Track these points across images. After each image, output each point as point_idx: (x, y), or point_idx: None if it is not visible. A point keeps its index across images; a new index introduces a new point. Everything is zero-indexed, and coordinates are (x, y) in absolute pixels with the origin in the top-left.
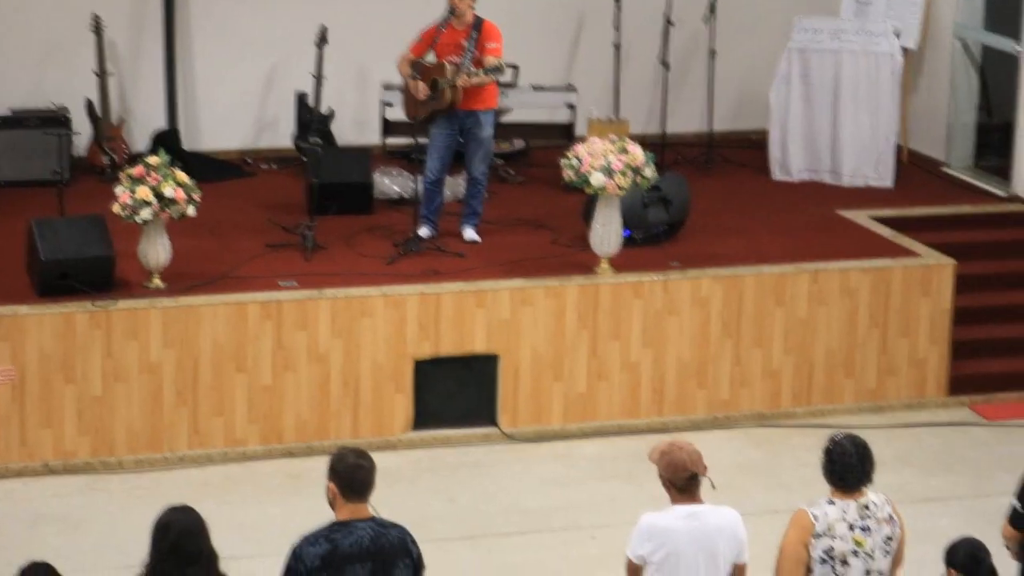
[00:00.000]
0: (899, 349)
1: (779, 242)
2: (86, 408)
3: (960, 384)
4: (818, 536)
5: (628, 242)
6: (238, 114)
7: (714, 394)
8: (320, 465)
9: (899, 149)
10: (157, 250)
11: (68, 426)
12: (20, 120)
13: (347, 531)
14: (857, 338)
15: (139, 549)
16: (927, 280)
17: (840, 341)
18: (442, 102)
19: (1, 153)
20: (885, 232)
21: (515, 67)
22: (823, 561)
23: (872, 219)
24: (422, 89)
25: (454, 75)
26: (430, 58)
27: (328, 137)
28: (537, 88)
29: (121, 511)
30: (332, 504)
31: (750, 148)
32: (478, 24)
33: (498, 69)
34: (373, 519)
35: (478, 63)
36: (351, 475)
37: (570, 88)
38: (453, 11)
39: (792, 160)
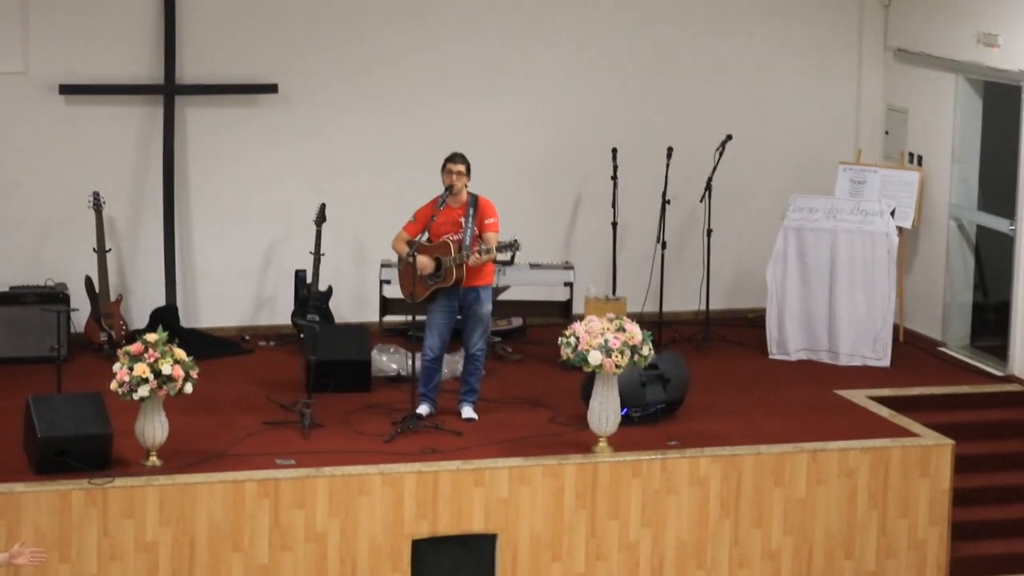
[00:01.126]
0: (899, 530)
1: (777, 422)
2: None
3: (960, 566)
4: None
5: (626, 420)
6: (236, 291)
7: (713, 575)
8: None
9: (896, 328)
10: (154, 427)
11: None
12: (18, 297)
13: None
14: (856, 519)
15: None
16: (926, 461)
17: (839, 522)
18: (449, 280)
19: (0, 330)
20: (883, 412)
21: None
22: None
23: (870, 399)
24: (427, 264)
25: (461, 253)
26: (422, 238)
27: (326, 314)
28: (535, 266)
29: None
30: None
31: (747, 327)
32: (474, 201)
33: (513, 245)
34: None
35: (478, 239)
36: None
37: (568, 266)
38: (450, 189)
39: (789, 339)
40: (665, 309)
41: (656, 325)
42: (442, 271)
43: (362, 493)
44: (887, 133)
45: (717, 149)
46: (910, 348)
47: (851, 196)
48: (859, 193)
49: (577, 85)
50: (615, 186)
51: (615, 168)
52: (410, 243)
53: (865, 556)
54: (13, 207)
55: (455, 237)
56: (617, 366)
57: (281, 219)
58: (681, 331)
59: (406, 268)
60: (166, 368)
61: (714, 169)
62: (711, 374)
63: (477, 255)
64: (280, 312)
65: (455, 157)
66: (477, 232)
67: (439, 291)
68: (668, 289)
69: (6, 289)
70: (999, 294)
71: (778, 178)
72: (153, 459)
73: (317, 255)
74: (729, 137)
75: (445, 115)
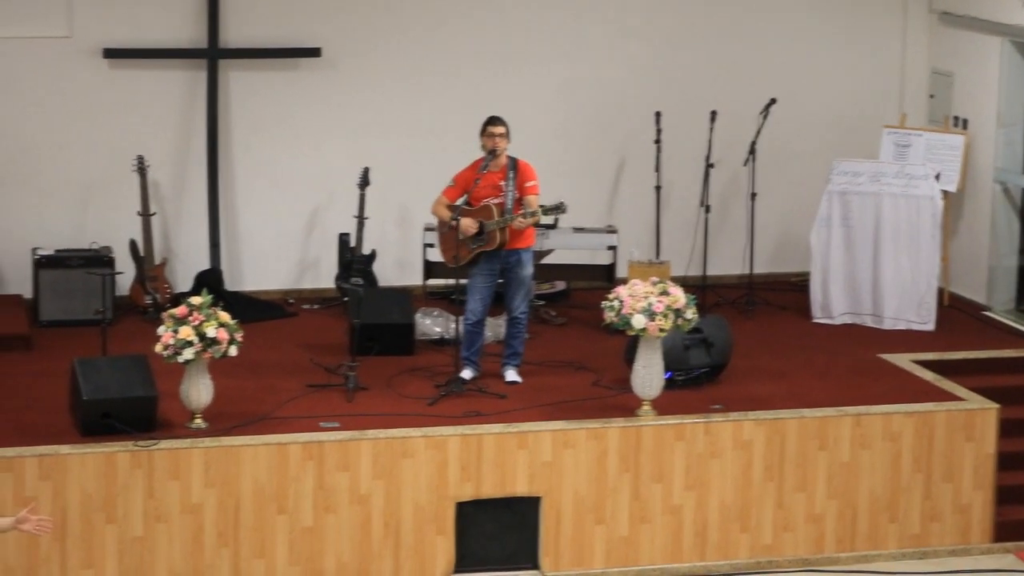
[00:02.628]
0: (943, 494)
1: (821, 385)
2: (127, 549)
3: (1005, 530)
4: None
5: (669, 384)
6: (280, 254)
7: (757, 538)
8: None
9: (940, 292)
10: (199, 390)
11: (109, 567)
12: (63, 260)
13: None
14: (901, 483)
15: None
16: (971, 425)
17: (884, 486)
18: (492, 243)
19: (45, 293)
20: (928, 376)
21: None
22: None
23: (914, 363)
24: (470, 225)
25: (505, 217)
26: (461, 201)
27: (370, 278)
28: (578, 230)
29: None
30: None
31: (791, 290)
32: (513, 164)
33: (559, 208)
34: None
35: (518, 203)
36: None
37: (611, 230)
38: (494, 152)
39: (833, 303)
40: (709, 273)
41: (700, 289)
42: (485, 235)
43: (406, 456)
44: (932, 96)
45: (761, 113)
46: (955, 312)
47: (896, 160)
48: (904, 157)
49: (621, 48)
50: (658, 150)
51: (658, 132)
52: (452, 207)
53: (909, 520)
54: (59, 171)
55: (496, 201)
56: (661, 330)
57: (324, 183)
58: (725, 295)
59: (448, 233)
60: (211, 331)
61: (758, 133)
62: (755, 338)
63: (522, 218)
64: (324, 275)
65: (495, 120)
66: (518, 195)
67: (481, 255)
68: (712, 253)
69: (52, 252)
70: None
71: (822, 142)
72: (198, 421)
73: (360, 219)
74: (773, 101)
75: (488, 78)
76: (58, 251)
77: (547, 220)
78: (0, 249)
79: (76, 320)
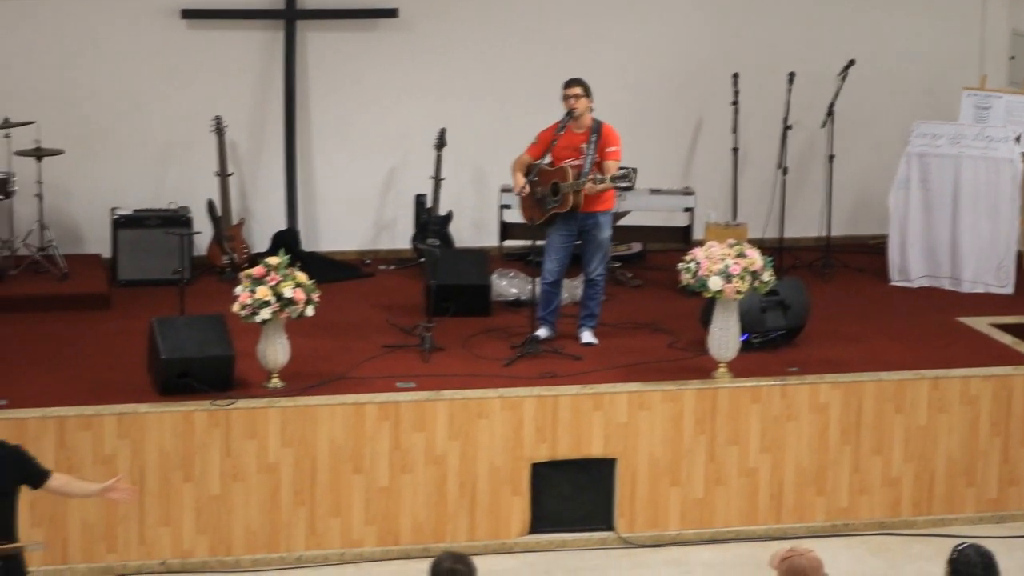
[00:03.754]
0: (1021, 458)
1: (898, 348)
2: (204, 507)
3: None
4: None
5: (746, 346)
6: (357, 215)
7: (833, 501)
8: None
9: (1020, 255)
10: (276, 350)
11: (186, 525)
12: (142, 220)
13: None
14: (978, 446)
15: None
16: None
17: (961, 449)
18: (565, 205)
19: (123, 252)
20: (1006, 339)
21: (633, 170)
22: None
23: (992, 326)
24: (518, 184)
25: (579, 180)
26: (545, 160)
27: (446, 239)
28: (655, 191)
29: None
30: None
31: (868, 253)
32: (597, 127)
33: (627, 176)
34: None
35: (598, 166)
36: None
37: (688, 192)
38: (571, 114)
39: (911, 266)
40: (786, 235)
41: (777, 251)
42: (559, 196)
43: (482, 416)
44: (1012, 58)
45: (839, 74)
46: None
47: (975, 122)
48: (983, 119)
49: (699, 9)
50: (736, 111)
51: (736, 93)
52: (531, 166)
53: (987, 484)
54: (137, 131)
55: (575, 163)
56: (737, 292)
57: (401, 143)
58: (802, 257)
59: (527, 191)
60: (288, 291)
61: (836, 94)
62: (832, 300)
63: (592, 183)
64: (400, 236)
65: (570, 81)
66: (598, 159)
67: (558, 216)
68: (789, 215)
69: (130, 212)
70: None
71: (901, 104)
72: (275, 381)
73: (437, 179)
74: (852, 62)
75: (565, 39)
76: (137, 211)
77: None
78: (79, 209)
79: (154, 279)
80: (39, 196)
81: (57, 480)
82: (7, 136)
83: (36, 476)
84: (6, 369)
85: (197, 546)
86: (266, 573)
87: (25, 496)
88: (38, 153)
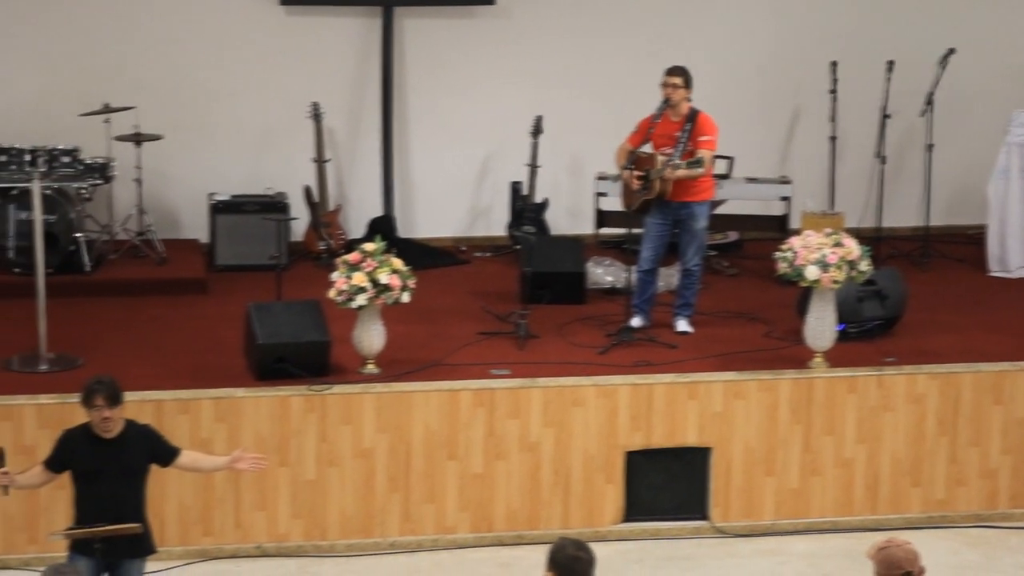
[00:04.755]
0: None
1: (996, 339)
2: (300, 491)
3: None
4: None
5: (842, 336)
6: (453, 202)
7: (929, 493)
8: (530, 554)
9: None
10: (372, 336)
11: (281, 509)
12: (239, 205)
13: None
14: None
15: None
16: None
17: None
18: (651, 193)
19: (221, 238)
20: None
21: (730, 159)
22: None
23: None
24: (627, 177)
25: (663, 166)
26: (647, 148)
27: (542, 226)
28: (751, 180)
29: None
30: None
31: (967, 243)
32: (693, 116)
33: (700, 163)
34: None
35: (690, 155)
36: (569, 567)
37: (785, 180)
38: (667, 101)
39: (1010, 256)
40: (883, 224)
41: (874, 240)
42: (648, 183)
43: (576, 404)
44: None
45: (939, 62)
46: None
47: None
48: None
49: None
50: (834, 100)
51: (834, 81)
52: (631, 153)
53: None
54: (235, 117)
55: (669, 150)
56: (834, 281)
57: (497, 131)
58: (899, 247)
59: (625, 178)
60: (384, 277)
61: (936, 83)
62: (929, 290)
63: (671, 169)
64: (495, 223)
65: (672, 70)
66: (691, 148)
67: (653, 204)
68: (887, 204)
69: (228, 198)
70: None
71: (1001, 92)
72: (370, 367)
73: (533, 167)
74: (952, 50)
75: (663, 26)
76: (234, 196)
77: (720, 171)
78: (178, 194)
79: (251, 265)
80: (138, 181)
81: (186, 456)
82: (107, 121)
83: (166, 454)
84: (106, 352)
85: (292, 530)
86: (360, 558)
87: None
88: (137, 138)
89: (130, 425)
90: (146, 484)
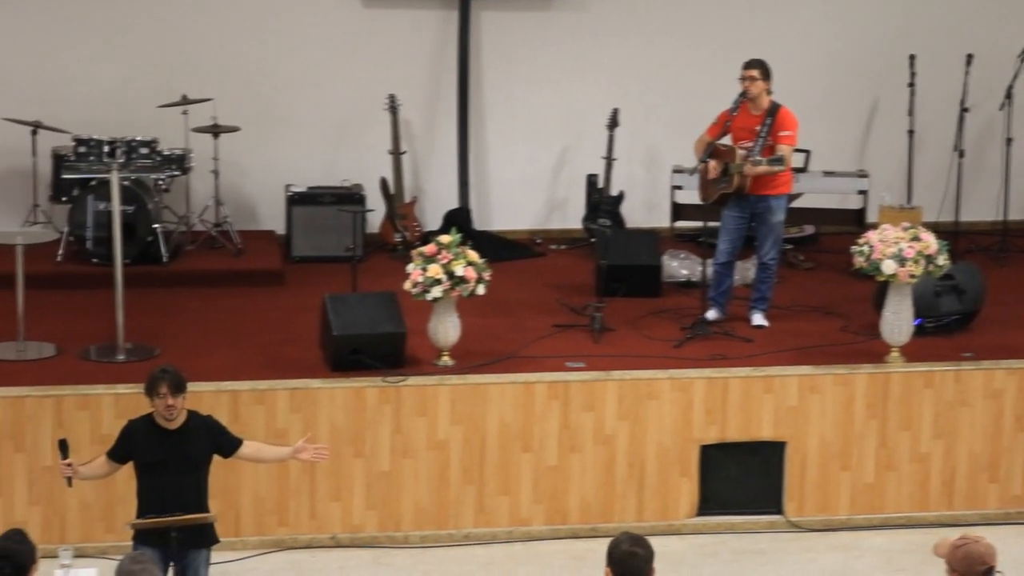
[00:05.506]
0: None
1: None
2: (374, 482)
3: None
4: None
5: (919, 331)
6: (529, 194)
7: (1007, 489)
8: (604, 547)
9: None
10: (447, 328)
11: (356, 500)
12: (316, 197)
13: None
14: None
15: None
16: None
17: None
18: (730, 186)
19: (297, 229)
20: None
21: (806, 152)
22: None
23: None
24: (714, 170)
25: (742, 161)
26: (727, 140)
27: (617, 219)
28: (828, 174)
29: None
30: None
31: None
32: (774, 110)
33: (781, 161)
34: None
35: (770, 150)
36: (624, 562)
37: (862, 174)
38: (744, 94)
39: None
40: (961, 218)
41: (952, 235)
42: (727, 176)
43: (651, 397)
44: None
45: (1019, 56)
46: None
47: None
48: None
49: None
50: (912, 93)
51: (912, 75)
52: (709, 145)
53: None
54: (312, 109)
55: (748, 144)
56: (911, 275)
57: (573, 123)
58: (977, 241)
59: (702, 170)
60: (459, 269)
61: (1015, 76)
62: (1008, 285)
63: (751, 164)
64: (571, 216)
65: (749, 63)
66: (771, 143)
67: (730, 197)
68: (965, 198)
69: (304, 189)
70: None
71: None
72: (445, 359)
73: (609, 160)
74: None
75: (740, 20)
76: (311, 188)
77: (797, 164)
78: (255, 185)
79: (327, 256)
80: (215, 172)
81: (249, 447)
82: (185, 113)
83: (228, 444)
84: (182, 343)
85: (367, 521)
86: (434, 549)
87: None
88: (215, 130)
89: (192, 416)
90: (208, 475)
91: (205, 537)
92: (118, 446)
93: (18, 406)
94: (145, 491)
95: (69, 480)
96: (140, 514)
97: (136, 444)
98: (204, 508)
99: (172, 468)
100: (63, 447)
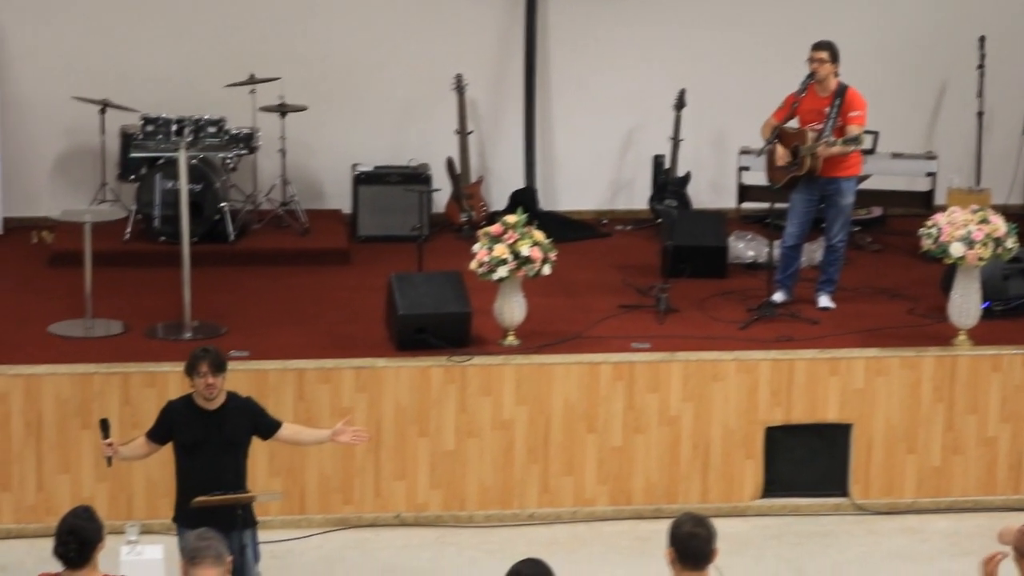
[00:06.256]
0: None
1: None
2: (439, 461)
3: None
4: None
5: (987, 314)
6: (595, 175)
7: None
8: (668, 528)
9: None
10: (512, 308)
11: (421, 479)
12: (382, 176)
13: None
14: None
15: None
16: None
17: None
18: (801, 169)
19: (364, 208)
20: None
21: (875, 133)
22: None
23: None
24: (782, 155)
25: (814, 143)
26: (793, 124)
27: (684, 200)
28: (896, 156)
29: (470, 565)
30: (671, 569)
31: None
32: (842, 91)
33: (857, 140)
34: None
35: (840, 131)
36: (686, 542)
37: (930, 156)
38: (812, 76)
39: None
40: None
41: (1021, 217)
42: (797, 160)
43: (716, 379)
44: None
45: None
46: None
47: None
48: None
49: None
50: (982, 75)
51: (982, 56)
52: (775, 128)
53: None
54: (379, 88)
55: (817, 126)
56: (980, 258)
57: (640, 104)
58: None
59: (770, 153)
60: (525, 249)
61: None
62: None
63: (825, 146)
64: (637, 197)
65: (818, 44)
66: (841, 124)
67: (800, 179)
68: None
69: (371, 169)
70: None
71: None
72: (511, 339)
73: (675, 140)
74: None
75: (808, 1)
76: (377, 167)
77: (865, 146)
78: (321, 165)
79: (393, 236)
80: (282, 152)
81: (287, 430)
82: (252, 92)
83: (267, 427)
84: (248, 322)
85: (431, 500)
86: (498, 529)
87: (264, 448)
88: (282, 109)
89: (232, 397)
90: (247, 456)
91: (245, 519)
92: (158, 426)
93: (86, 383)
94: (184, 472)
95: (109, 460)
96: (180, 496)
97: (176, 424)
98: (244, 488)
99: (211, 449)
100: (104, 427)
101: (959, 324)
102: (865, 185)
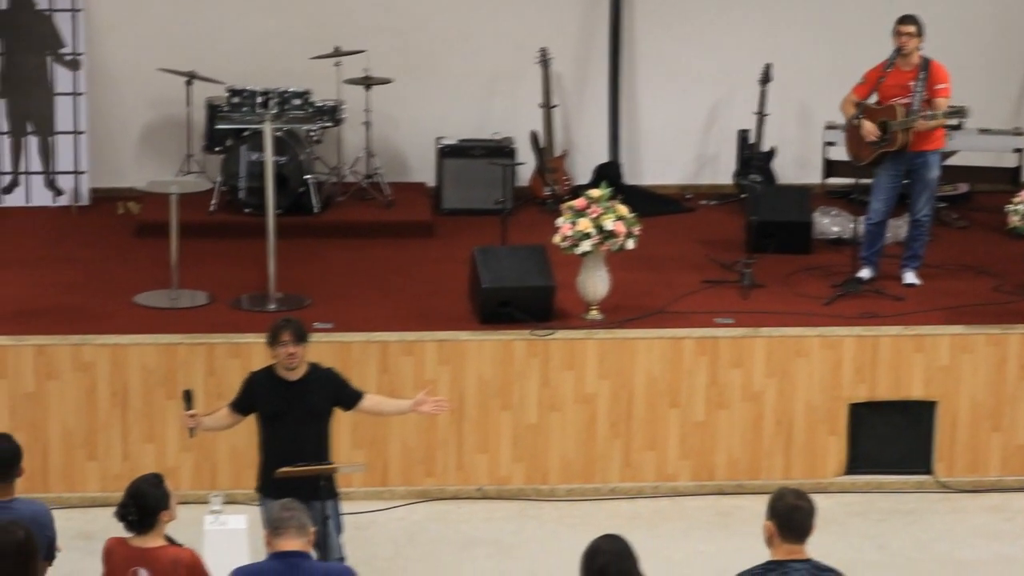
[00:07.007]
0: None
1: None
2: (522, 435)
3: None
4: None
5: None
6: (679, 149)
7: None
8: (750, 504)
9: None
10: (596, 282)
11: (503, 452)
12: (466, 150)
13: (782, 571)
14: None
15: None
16: None
17: None
18: (893, 144)
19: (448, 181)
20: None
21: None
22: None
23: None
24: (871, 131)
25: (909, 118)
26: (872, 100)
27: (769, 175)
28: (983, 131)
29: (552, 538)
30: (769, 543)
31: None
32: (925, 65)
33: (960, 112)
34: (810, 561)
35: (927, 105)
36: (789, 515)
37: (1018, 132)
38: (900, 51)
39: None
40: None
41: None
42: (888, 135)
43: (800, 355)
44: None
45: None
46: None
47: None
48: None
49: None
50: None
51: None
52: (858, 105)
53: None
54: (464, 61)
55: (903, 101)
56: None
57: (725, 78)
58: None
59: (852, 130)
60: (609, 224)
61: None
62: None
63: (924, 120)
64: (722, 171)
65: (905, 18)
66: (927, 97)
67: (886, 155)
68: None
69: (455, 142)
70: None
71: None
72: (594, 313)
73: (761, 115)
74: None
75: None
76: (461, 141)
77: (951, 122)
78: (406, 138)
79: (477, 209)
80: (367, 124)
81: (369, 400)
82: (338, 65)
83: (349, 397)
84: (333, 293)
85: (513, 474)
86: (580, 503)
87: (348, 419)
88: (367, 82)
89: (314, 368)
90: (329, 427)
91: (327, 490)
92: (241, 397)
93: (171, 353)
94: (267, 442)
95: (192, 431)
96: (263, 466)
97: (258, 395)
98: (326, 459)
99: (292, 419)
100: (188, 398)
101: None
102: (951, 161)
